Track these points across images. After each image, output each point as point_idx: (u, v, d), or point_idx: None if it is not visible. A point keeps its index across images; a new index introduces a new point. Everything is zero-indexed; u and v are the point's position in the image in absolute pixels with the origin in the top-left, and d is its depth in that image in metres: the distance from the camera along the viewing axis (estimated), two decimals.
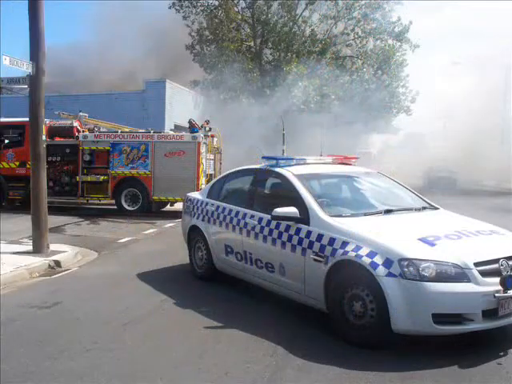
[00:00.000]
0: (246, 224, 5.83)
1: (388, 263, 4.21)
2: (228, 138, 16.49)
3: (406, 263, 4.16)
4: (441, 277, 4.13)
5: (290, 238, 5.13)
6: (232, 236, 6.11)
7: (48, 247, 8.22)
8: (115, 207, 14.00)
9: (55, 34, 64.56)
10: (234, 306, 5.62)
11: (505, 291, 4.15)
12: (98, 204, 15.24)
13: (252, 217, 5.79)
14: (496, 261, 4.31)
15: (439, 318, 4.08)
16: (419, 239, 4.48)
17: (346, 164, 6.68)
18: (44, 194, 8.32)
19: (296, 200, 5.28)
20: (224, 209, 6.38)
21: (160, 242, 9.81)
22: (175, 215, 12.54)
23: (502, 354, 4.23)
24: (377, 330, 4.28)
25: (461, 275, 4.15)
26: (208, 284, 6.54)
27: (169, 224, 12.05)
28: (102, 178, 13.65)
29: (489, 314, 4.16)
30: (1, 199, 14.23)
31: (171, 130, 20.52)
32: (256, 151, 10.23)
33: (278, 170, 5.91)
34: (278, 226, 5.32)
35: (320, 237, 4.81)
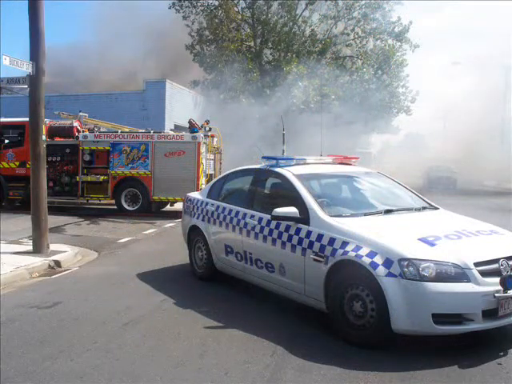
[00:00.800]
0: (245, 224, 5.83)
1: (388, 263, 4.21)
2: (228, 138, 16.49)
3: (405, 263, 4.16)
4: (441, 277, 4.13)
5: (289, 238, 5.13)
6: (232, 236, 6.11)
7: (48, 247, 8.22)
8: (115, 207, 14.01)
9: (55, 34, 64.74)
10: (233, 306, 5.62)
11: (505, 291, 4.15)
12: (97, 204, 15.26)
13: (252, 217, 5.79)
14: (496, 261, 4.31)
15: (439, 318, 4.08)
16: (419, 239, 4.48)
17: (346, 164, 6.67)
18: (44, 194, 8.32)
19: (296, 200, 5.28)
20: (224, 209, 6.38)
21: (160, 242, 9.81)
22: (175, 215, 12.56)
23: (501, 354, 4.23)
24: (377, 329, 4.28)
25: (461, 275, 4.15)
26: (208, 284, 6.54)
27: (169, 224, 12.05)
28: (102, 178, 13.65)
29: (489, 314, 4.16)
30: (1, 199, 14.23)
31: (171, 130, 20.49)
32: (256, 151, 10.23)
33: (277, 169, 5.91)
34: (277, 226, 5.33)
35: (320, 237, 4.81)
